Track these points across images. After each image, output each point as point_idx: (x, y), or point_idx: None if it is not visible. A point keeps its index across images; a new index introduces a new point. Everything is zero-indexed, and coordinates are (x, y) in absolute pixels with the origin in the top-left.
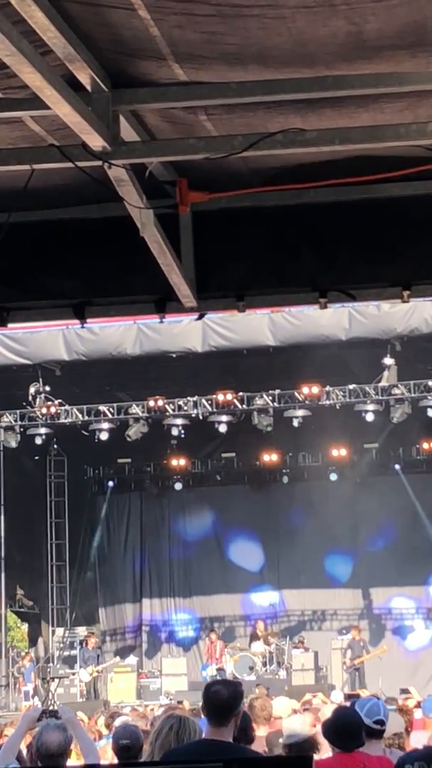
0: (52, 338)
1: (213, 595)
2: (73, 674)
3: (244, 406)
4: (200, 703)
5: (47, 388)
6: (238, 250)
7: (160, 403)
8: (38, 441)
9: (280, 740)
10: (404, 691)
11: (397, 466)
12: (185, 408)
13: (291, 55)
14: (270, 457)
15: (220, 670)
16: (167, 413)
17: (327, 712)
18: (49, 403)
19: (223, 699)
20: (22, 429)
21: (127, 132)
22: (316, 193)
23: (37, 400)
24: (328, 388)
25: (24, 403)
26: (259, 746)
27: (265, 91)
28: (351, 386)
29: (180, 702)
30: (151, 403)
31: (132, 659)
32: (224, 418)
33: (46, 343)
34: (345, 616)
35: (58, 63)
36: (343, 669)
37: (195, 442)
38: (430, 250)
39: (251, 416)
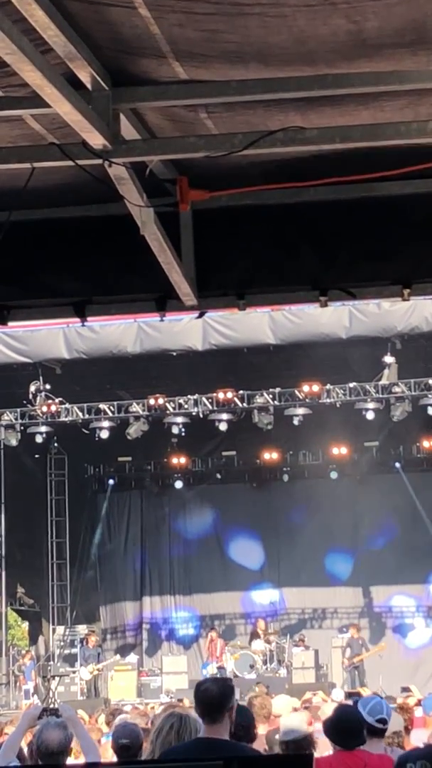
0: (52, 336)
1: (213, 593)
2: (74, 672)
3: (245, 404)
4: None
5: (48, 387)
6: (238, 248)
7: (161, 401)
8: (39, 439)
9: (276, 737)
10: (405, 689)
11: (397, 465)
12: (186, 406)
13: (291, 54)
14: (270, 456)
15: (221, 668)
16: (168, 411)
17: (327, 711)
18: (50, 401)
19: (213, 696)
20: (22, 427)
21: (128, 130)
22: (317, 192)
23: (38, 398)
24: (328, 386)
25: (24, 402)
26: (259, 745)
27: (265, 89)
28: (351, 384)
29: (180, 700)
30: (152, 402)
31: (132, 657)
32: (225, 416)
33: (46, 341)
34: (345, 614)
35: (59, 61)
36: (343, 668)
37: (195, 441)
38: (430, 249)
39: (252, 414)
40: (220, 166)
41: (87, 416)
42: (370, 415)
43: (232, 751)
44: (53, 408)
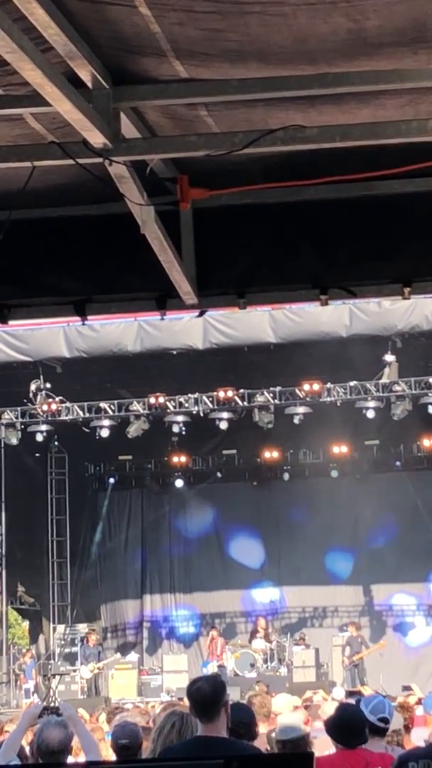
0: (52, 335)
1: (214, 592)
2: (74, 671)
3: (245, 403)
4: None
5: (48, 385)
6: (238, 246)
7: (161, 400)
8: (39, 438)
9: (273, 735)
10: (406, 687)
11: (397, 463)
12: (186, 405)
13: (292, 52)
14: (271, 454)
15: (221, 667)
16: (168, 410)
17: (327, 709)
18: (50, 400)
19: (207, 694)
20: (22, 426)
21: (128, 129)
22: (317, 190)
23: (38, 397)
24: (328, 384)
25: (25, 400)
26: (260, 743)
27: (265, 87)
28: (352, 383)
29: (181, 698)
30: (152, 400)
31: (133, 656)
32: (225, 415)
33: (46, 340)
34: (346, 613)
35: (59, 60)
36: (343, 666)
37: (196, 439)
38: (431, 247)
39: (252, 413)
40: (221, 165)
41: (87, 415)
42: (370, 414)
43: (231, 749)
44: (54, 407)
